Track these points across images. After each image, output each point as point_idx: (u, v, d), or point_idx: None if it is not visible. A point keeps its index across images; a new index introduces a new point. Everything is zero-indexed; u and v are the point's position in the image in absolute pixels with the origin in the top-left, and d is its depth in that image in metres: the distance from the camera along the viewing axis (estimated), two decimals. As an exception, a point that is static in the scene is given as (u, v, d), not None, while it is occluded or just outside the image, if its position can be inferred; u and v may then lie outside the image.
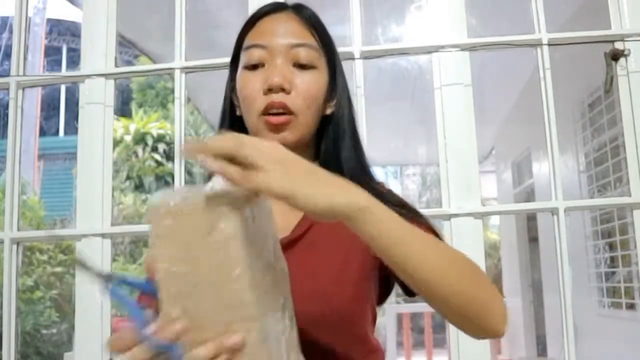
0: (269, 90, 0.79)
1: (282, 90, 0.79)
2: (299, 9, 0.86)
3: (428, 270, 0.62)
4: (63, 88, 10.47)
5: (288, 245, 0.73)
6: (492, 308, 0.67)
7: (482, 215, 1.29)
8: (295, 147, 0.78)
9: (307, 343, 0.70)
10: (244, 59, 0.84)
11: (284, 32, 0.82)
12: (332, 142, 0.86)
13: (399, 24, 3.09)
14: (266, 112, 0.80)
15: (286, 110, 0.80)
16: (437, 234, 0.78)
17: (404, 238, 0.61)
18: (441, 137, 1.32)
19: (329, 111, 0.87)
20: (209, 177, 0.73)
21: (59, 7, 10.36)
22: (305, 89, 0.81)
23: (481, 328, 0.67)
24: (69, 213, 7.16)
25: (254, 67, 0.82)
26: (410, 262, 0.61)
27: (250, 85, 0.81)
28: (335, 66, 0.87)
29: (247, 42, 0.84)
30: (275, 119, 0.79)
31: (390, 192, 0.84)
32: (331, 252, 0.75)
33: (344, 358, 0.75)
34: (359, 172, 0.85)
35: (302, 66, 0.82)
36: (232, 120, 0.88)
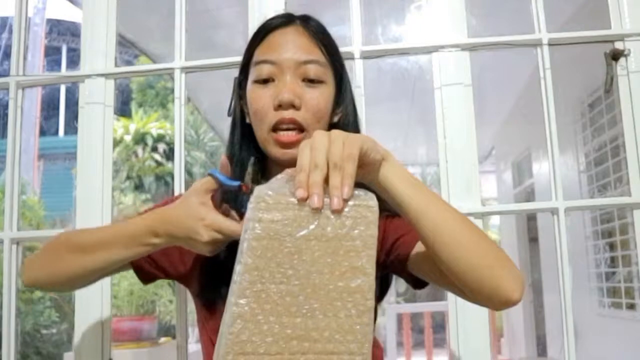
0: (279, 106, 0.81)
1: (292, 106, 0.81)
2: (306, 22, 0.88)
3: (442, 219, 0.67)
4: (63, 88, 10.47)
5: None
6: (507, 268, 0.69)
7: (482, 215, 1.29)
8: None
9: None
10: (254, 73, 0.86)
11: (293, 48, 0.84)
12: None
13: (399, 24, 3.09)
14: (276, 127, 0.82)
15: (296, 126, 0.82)
16: None
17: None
18: (441, 137, 1.32)
19: (335, 118, 0.89)
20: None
21: (59, 7, 10.36)
22: (315, 105, 0.83)
23: (494, 289, 0.68)
24: (69, 213, 7.15)
25: (264, 81, 0.84)
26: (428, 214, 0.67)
27: (261, 100, 0.83)
28: (342, 75, 0.90)
29: (257, 56, 0.86)
30: (285, 137, 0.82)
31: None
32: None
33: None
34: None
35: (310, 81, 0.84)
36: (242, 127, 0.90)
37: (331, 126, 0.88)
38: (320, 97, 0.84)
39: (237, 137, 0.91)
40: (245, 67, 0.90)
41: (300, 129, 0.82)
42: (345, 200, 0.57)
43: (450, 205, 0.70)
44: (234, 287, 0.58)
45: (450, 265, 0.67)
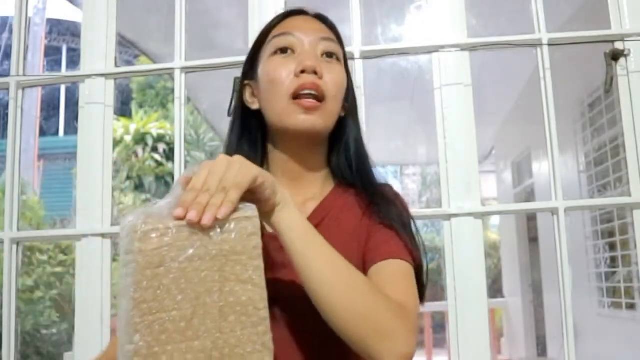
0: (302, 72, 0.81)
1: (315, 73, 0.81)
2: (320, 16, 0.90)
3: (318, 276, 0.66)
4: (63, 88, 10.46)
5: None
6: (386, 332, 0.66)
7: (482, 215, 1.29)
8: (320, 137, 0.83)
9: (321, 339, 0.72)
10: (271, 47, 0.85)
11: (309, 28, 0.86)
12: (344, 143, 0.89)
13: (399, 24, 3.09)
14: (297, 93, 0.81)
15: (318, 92, 0.81)
16: (411, 252, 0.79)
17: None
18: (441, 137, 1.32)
19: (342, 113, 0.89)
20: None
21: (59, 7, 10.36)
22: (334, 78, 0.84)
23: (371, 351, 0.66)
24: (68, 213, 7.16)
25: (284, 51, 0.84)
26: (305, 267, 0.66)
27: (280, 69, 0.82)
28: (348, 69, 0.91)
29: (275, 33, 0.86)
30: (307, 103, 0.81)
31: (385, 195, 0.86)
32: (338, 248, 0.76)
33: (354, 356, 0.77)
34: (364, 173, 0.88)
35: (329, 57, 0.85)
36: (244, 121, 0.89)
37: (341, 119, 0.88)
38: (339, 72, 0.85)
39: (237, 133, 0.89)
40: (254, 56, 0.89)
41: (321, 97, 0.81)
42: (218, 220, 0.57)
43: (339, 265, 0.68)
44: (123, 324, 0.56)
45: (327, 322, 0.67)
